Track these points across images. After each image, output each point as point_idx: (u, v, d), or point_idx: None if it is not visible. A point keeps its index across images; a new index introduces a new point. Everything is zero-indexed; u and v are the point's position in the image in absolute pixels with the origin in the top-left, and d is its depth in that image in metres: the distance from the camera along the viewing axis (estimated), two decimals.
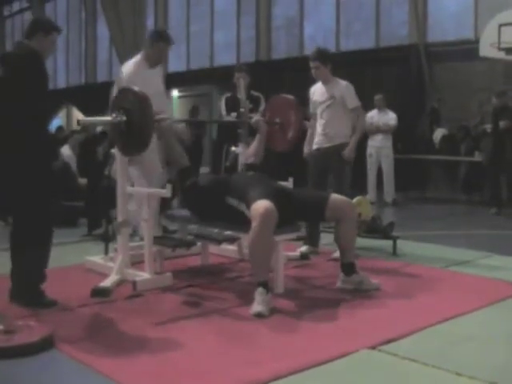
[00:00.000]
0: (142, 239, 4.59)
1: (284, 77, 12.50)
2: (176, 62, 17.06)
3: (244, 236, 4.13)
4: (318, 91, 5.34)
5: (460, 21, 10.91)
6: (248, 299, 3.67)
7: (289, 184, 4.74)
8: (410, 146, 10.47)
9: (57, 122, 16.09)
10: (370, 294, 4.00)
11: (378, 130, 9.33)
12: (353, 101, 5.21)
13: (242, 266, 4.72)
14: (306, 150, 5.49)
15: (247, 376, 2.66)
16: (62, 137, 10.32)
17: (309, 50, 5.37)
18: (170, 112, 5.07)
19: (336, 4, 13.03)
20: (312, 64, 5.19)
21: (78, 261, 4.79)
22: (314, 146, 5.35)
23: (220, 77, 11.68)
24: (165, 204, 4.43)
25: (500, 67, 9.75)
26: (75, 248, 5.49)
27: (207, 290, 4.15)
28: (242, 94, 5.47)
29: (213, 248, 4.95)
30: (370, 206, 5.60)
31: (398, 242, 5.31)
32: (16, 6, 24.11)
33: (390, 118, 9.37)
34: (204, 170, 10.89)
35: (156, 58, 5.03)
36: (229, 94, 6.69)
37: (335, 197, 4.09)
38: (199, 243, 4.76)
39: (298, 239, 4.78)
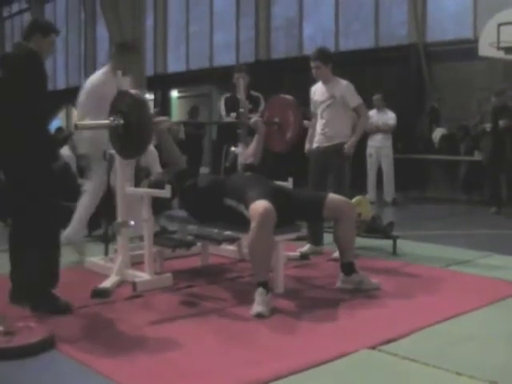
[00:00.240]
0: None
1: (283, 77, 12.50)
2: (176, 63, 17.08)
3: (244, 236, 4.14)
4: (318, 91, 5.34)
5: (459, 20, 10.91)
6: (248, 299, 3.67)
7: (288, 184, 4.75)
8: (409, 145, 10.48)
9: (56, 122, 16.07)
10: (370, 294, 4.00)
11: (377, 129, 9.34)
12: (354, 99, 5.21)
13: (242, 267, 4.72)
14: (307, 146, 5.50)
15: (247, 376, 2.66)
16: (61, 137, 10.30)
17: (308, 50, 5.38)
18: None
19: (335, 4, 13.03)
20: (313, 64, 5.19)
21: (77, 261, 4.81)
22: (314, 145, 5.36)
23: (219, 77, 11.69)
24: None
25: (499, 66, 9.75)
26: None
27: (207, 290, 4.15)
28: (241, 95, 5.47)
29: (213, 248, 4.96)
30: (369, 205, 5.61)
31: (398, 241, 5.31)
32: (15, 7, 24.11)
33: (389, 117, 9.38)
34: (204, 170, 10.90)
35: (123, 68, 5.09)
36: (228, 95, 6.69)
37: (333, 196, 4.10)
38: (199, 243, 4.76)
39: (299, 239, 4.78)
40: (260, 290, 3.62)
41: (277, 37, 14.41)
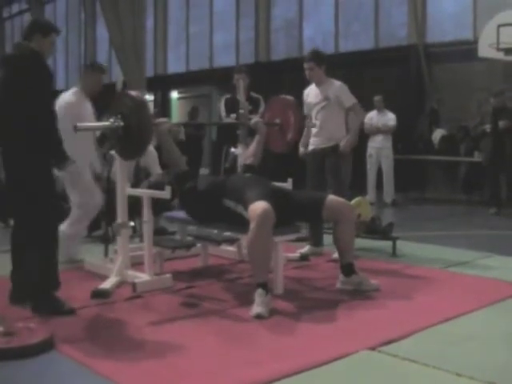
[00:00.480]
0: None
1: (283, 78, 12.51)
2: (175, 63, 17.08)
3: (243, 237, 4.14)
4: (311, 93, 5.35)
5: (459, 21, 10.91)
6: (248, 300, 3.68)
7: (288, 185, 4.75)
8: (409, 146, 10.49)
9: None
10: (370, 295, 4.00)
11: (377, 130, 9.35)
12: (349, 99, 5.22)
13: (242, 267, 4.72)
14: (301, 150, 5.50)
15: (247, 377, 2.66)
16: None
17: (308, 51, 5.38)
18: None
19: (335, 5, 13.03)
20: (306, 65, 5.20)
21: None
22: (310, 147, 5.36)
23: (219, 78, 11.69)
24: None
25: (499, 67, 9.75)
26: None
27: (207, 291, 4.15)
28: (241, 96, 5.48)
29: (212, 249, 4.96)
30: (369, 206, 5.61)
31: (398, 242, 5.31)
32: (15, 8, 24.10)
33: (389, 118, 9.39)
34: (203, 171, 10.91)
35: (91, 88, 5.09)
36: (228, 96, 6.69)
37: (332, 198, 4.10)
38: (199, 244, 4.77)
39: (299, 240, 4.79)
40: (259, 290, 3.62)
41: (277, 38, 14.41)
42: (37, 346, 2.94)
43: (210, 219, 4.23)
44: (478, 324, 3.44)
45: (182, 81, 16.52)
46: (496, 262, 4.99)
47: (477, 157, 9.38)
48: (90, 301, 3.81)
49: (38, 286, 3.57)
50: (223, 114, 6.65)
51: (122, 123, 3.83)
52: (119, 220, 4.28)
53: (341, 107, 5.22)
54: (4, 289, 3.66)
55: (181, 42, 16.95)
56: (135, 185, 5.20)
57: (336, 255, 4.47)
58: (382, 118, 9.40)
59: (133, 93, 3.94)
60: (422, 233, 6.64)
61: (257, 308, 3.54)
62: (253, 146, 4.78)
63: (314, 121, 5.29)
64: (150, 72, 14.93)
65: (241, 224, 3.84)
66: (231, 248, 5.05)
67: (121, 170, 4.31)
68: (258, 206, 3.67)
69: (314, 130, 5.30)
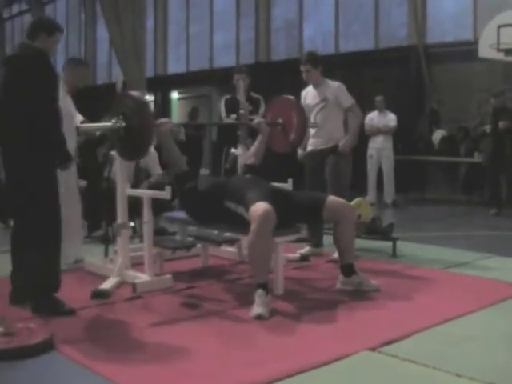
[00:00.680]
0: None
1: (284, 78, 12.48)
2: (175, 64, 17.07)
3: (243, 238, 4.14)
4: (309, 94, 5.35)
5: (459, 22, 10.91)
6: (248, 301, 3.68)
7: (288, 185, 4.75)
8: (409, 147, 10.49)
9: None
10: (370, 296, 4.00)
11: (378, 131, 9.36)
12: (347, 99, 5.22)
13: (242, 268, 4.72)
14: (299, 152, 5.50)
15: (247, 377, 2.67)
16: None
17: (303, 53, 5.39)
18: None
19: (335, 5, 13.03)
20: (303, 68, 5.22)
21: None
22: (308, 148, 5.36)
23: (220, 78, 11.69)
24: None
25: (499, 68, 9.75)
26: None
27: (207, 291, 4.15)
28: (241, 96, 5.48)
29: (212, 250, 4.96)
30: (369, 207, 5.60)
31: (398, 243, 5.31)
32: (15, 9, 24.09)
33: (390, 119, 9.40)
34: (204, 171, 10.91)
35: (73, 83, 5.06)
36: (228, 96, 6.69)
37: (333, 198, 4.10)
38: (199, 245, 4.77)
39: (300, 241, 4.79)
40: (260, 291, 3.62)
41: (277, 38, 14.40)
42: (37, 346, 2.94)
43: (211, 220, 4.23)
44: (478, 325, 3.44)
45: (182, 81, 16.51)
46: (496, 262, 4.99)
47: (477, 157, 9.38)
48: (90, 301, 3.81)
49: (37, 287, 3.57)
50: (223, 114, 6.65)
51: (123, 124, 3.83)
52: (119, 220, 4.28)
53: (339, 108, 5.23)
54: (4, 289, 3.66)
55: (181, 42, 16.94)
56: (135, 185, 5.20)
57: (335, 255, 4.47)
58: (382, 119, 9.40)
59: (134, 93, 3.93)
60: (422, 233, 6.64)
61: (257, 308, 3.54)
62: (255, 146, 4.77)
63: (313, 122, 5.29)
64: (150, 72, 14.93)
65: (241, 225, 3.84)
66: (231, 249, 5.05)
67: (121, 170, 4.31)
68: (259, 207, 3.67)
69: (312, 131, 5.30)
